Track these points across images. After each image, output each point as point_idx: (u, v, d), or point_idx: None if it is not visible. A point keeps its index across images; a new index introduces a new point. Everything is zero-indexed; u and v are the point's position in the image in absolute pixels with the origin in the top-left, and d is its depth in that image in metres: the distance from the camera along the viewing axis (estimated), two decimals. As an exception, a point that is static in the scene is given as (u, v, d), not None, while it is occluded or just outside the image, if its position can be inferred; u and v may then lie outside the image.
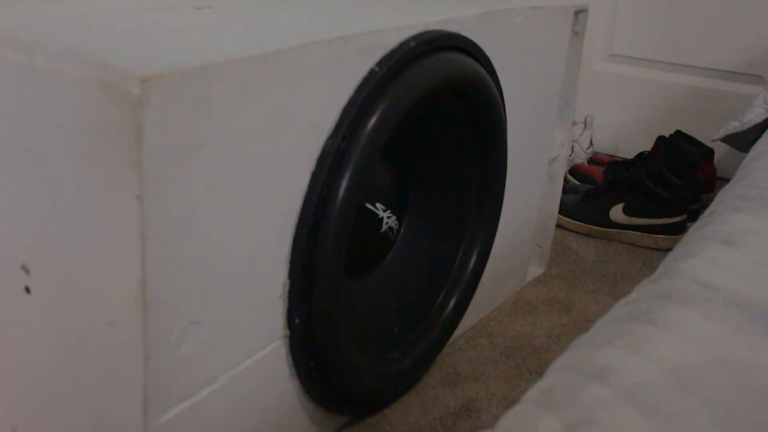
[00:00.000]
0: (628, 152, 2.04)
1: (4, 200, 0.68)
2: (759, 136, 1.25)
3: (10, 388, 0.75)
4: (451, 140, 1.00)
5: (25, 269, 0.69)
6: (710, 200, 1.72)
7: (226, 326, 0.72)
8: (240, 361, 0.76)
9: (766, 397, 0.40)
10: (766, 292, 0.53)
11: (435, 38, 0.86)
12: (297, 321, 0.79)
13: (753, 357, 0.44)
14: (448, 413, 1.02)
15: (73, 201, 0.63)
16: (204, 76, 0.61)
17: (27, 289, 0.69)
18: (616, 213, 1.58)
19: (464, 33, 0.93)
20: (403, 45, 0.82)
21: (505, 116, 1.03)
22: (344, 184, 0.77)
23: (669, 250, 1.51)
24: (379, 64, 0.80)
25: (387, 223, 0.97)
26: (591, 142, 1.99)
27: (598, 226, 1.60)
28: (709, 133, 1.84)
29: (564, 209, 1.62)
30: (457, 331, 1.16)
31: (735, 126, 1.37)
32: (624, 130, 2.06)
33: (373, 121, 0.79)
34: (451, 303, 1.02)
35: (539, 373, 1.14)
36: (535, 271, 1.43)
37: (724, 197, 0.80)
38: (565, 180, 1.82)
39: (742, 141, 1.41)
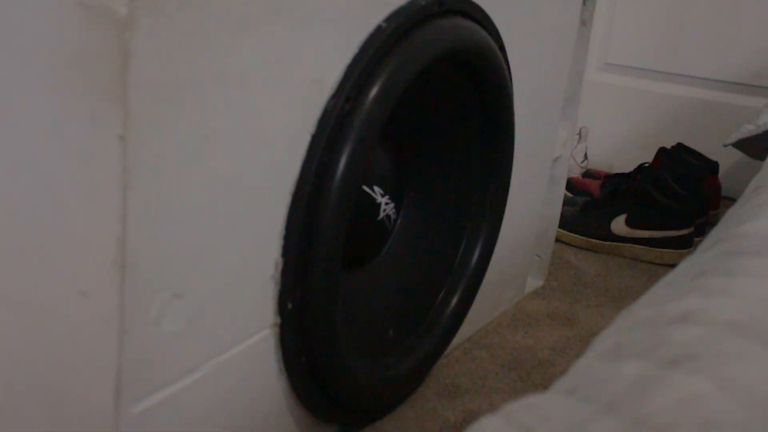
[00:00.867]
0: (624, 169, 2.02)
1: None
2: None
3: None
4: (454, 121, 0.97)
5: (-20, 232, 0.63)
6: (717, 217, 1.70)
7: (211, 305, 0.67)
8: (225, 349, 0.70)
9: None
10: None
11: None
12: (289, 306, 0.74)
13: None
14: (448, 426, 0.97)
15: (42, 143, 0.57)
16: (203, 1, 0.57)
17: (-19, 256, 0.63)
18: (618, 225, 1.56)
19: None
20: (413, 2, 0.79)
21: (513, 97, 1.00)
22: (348, 150, 0.73)
23: (675, 265, 1.47)
24: (387, 20, 0.76)
25: (384, 210, 0.93)
26: (586, 155, 1.97)
27: (598, 239, 1.57)
28: (711, 147, 1.82)
29: (561, 222, 1.59)
30: (453, 342, 1.11)
31: (750, 129, 1.35)
32: (620, 145, 2.05)
33: (380, 82, 0.74)
34: (453, 302, 0.97)
35: (546, 387, 1.09)
36: (533, 283, 1.39)
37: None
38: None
39: (756, 146, 1.40)
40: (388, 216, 0.94)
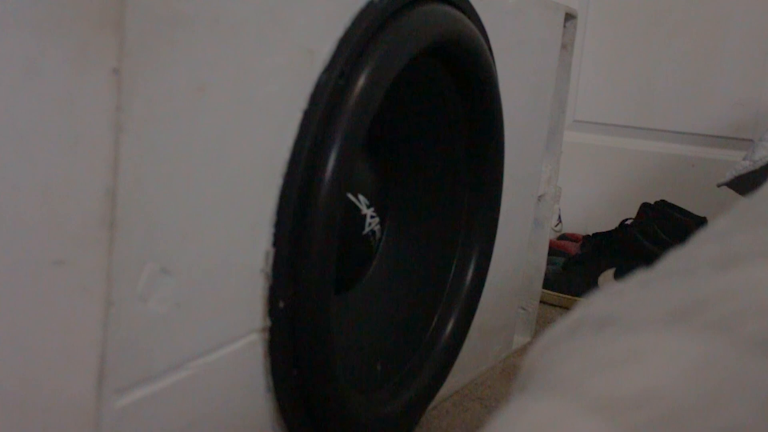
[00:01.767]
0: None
1: None
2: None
3: None
4: (440, 130, 0.98)
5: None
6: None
7: (198, 291, 0.65)
8: (212, 348, 0.68)
9: None
10: None
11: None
12: (281, 305, 0.73)
13: None
14: (449, 472, 0.95)
15: (23, 78, 0.57)
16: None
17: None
18: (606, 280, 1.58)
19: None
20: (405, -19, 0.81)
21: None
22: (343, 128, 0.73)
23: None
24: (379, -5, 0.79)
25: (370, 224, 0.93)
26: (560, 218, 2.01)
27: (585, 297, 1.58)
28: (694, 205, 1.87)
29: (544, 282, 1.60)
30: (442, 393, 1.10)
31: (746, 165, 1.39)
32: (594, 206, 2.09)
33: (375, 57, 0.76)
34: (449, 326, 0.96)
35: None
36: (520, 339, 1.39)
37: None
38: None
39: (752, 183, 1.44)
40: (373, 232, 0.94)
